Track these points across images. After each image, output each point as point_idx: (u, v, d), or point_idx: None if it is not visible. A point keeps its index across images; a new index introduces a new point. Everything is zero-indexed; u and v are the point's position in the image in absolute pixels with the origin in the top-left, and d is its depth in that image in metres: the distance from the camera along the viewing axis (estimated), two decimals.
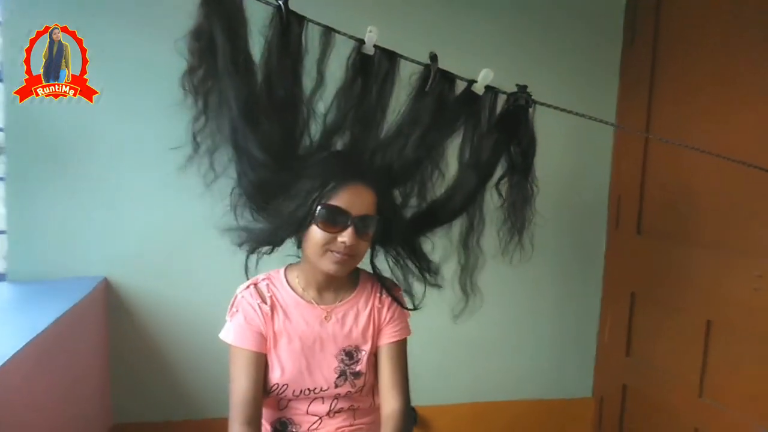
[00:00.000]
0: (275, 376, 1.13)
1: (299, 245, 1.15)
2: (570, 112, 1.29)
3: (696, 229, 1.88)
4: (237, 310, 1.14)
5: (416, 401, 1.36)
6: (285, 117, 1.12)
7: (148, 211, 1.88)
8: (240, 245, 1.14)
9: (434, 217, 1.26)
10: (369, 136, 1.20)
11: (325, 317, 1.16)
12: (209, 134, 1.11)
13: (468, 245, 1.28)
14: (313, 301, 1.17)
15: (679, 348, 1.95)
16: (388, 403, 1.17)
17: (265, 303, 1.14)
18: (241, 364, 1.11)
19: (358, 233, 1.05)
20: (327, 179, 1.04)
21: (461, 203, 1.26)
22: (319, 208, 1.04)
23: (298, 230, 1.08)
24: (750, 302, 1.63)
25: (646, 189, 2.16)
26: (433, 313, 1.30)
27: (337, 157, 1.14)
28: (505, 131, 1.25)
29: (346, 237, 1.04)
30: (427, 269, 1.25)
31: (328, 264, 1.08)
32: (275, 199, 1.09)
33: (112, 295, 1.88)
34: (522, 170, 1.26)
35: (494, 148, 1.25)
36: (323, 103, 1.19)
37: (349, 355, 1.17)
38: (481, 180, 1.25)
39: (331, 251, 1.06)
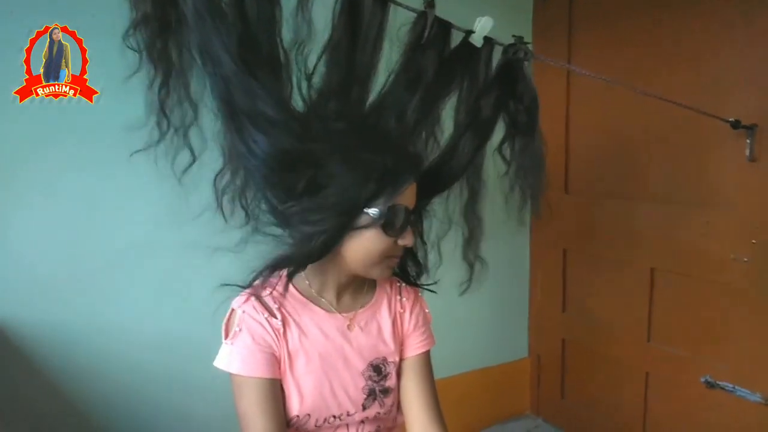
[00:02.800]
0: (294, 407, 0.90)
1: None
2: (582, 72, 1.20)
3: (633, 184, 1.94)
4: (240, 329, 0.87)
5: None
6: (278, 75, 0.86)
7: (34, 224, 1.45)
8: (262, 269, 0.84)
9: (431, 185, 1.07)
10: (365, 99, 0.99)
11: (348, 326, 0.95)
12: (177, 104, 0.82)
13: (470, 214, 1.11)
14: (331, 307, 0.95)
15: (621, 298, 2.02)
16: None
17: (275, 317, 0.89)
18: (254, 398, 0.85)
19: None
20: (393, 172, 0.83)
21: (460, 168, 1.09)
22: (386, 209, 0.83)
23: (347, 224, 0.83)
24: (697, 248, 1.71)
25: (571, 151, 2.20)
26: None
27: (386, 138, 0.93)
28: (504, 87, 1.12)
29: (408, 239, 0.87)
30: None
31: (382, 271, 0.90)
32: (304, 175, 0.81)
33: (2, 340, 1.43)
34: (528, 130, 1.14)
35: (494, 106, 1.11)
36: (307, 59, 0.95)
37: (377, 369, 0.97)
38: (480, 141, 1.10)
39: (389, 257, 0.87)
